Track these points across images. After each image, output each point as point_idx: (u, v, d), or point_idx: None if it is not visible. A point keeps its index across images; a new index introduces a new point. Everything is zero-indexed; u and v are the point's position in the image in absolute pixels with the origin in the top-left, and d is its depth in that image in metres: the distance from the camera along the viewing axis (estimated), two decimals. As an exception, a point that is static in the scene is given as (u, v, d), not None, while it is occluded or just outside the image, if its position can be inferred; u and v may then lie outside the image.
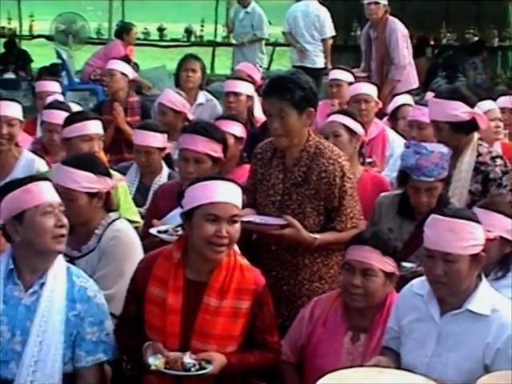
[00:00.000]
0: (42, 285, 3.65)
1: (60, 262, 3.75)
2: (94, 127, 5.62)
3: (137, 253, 4.38)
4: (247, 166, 5.17)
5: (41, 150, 6.32)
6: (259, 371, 3.90)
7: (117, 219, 4.50)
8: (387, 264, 4.00)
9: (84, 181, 4.35)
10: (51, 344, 3.57)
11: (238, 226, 3.70)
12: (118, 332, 3.87)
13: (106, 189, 4.47)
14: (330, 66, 10.37)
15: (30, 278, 3.70)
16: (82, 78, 13.03)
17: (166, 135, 6.06)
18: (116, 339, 3.86)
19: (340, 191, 4.50)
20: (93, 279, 3.99)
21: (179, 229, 4.44)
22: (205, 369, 3.54)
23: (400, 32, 9.58)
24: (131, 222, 5.06)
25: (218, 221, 3.64)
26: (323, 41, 11.42)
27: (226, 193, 3.68)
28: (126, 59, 9.18)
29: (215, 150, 4.92)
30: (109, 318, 3.82)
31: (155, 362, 3.55)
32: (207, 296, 3.69)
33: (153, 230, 4.67)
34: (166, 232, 4.62)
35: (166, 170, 6.06)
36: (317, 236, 4.48)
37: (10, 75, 15.00)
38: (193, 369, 3.53)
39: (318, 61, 11.37)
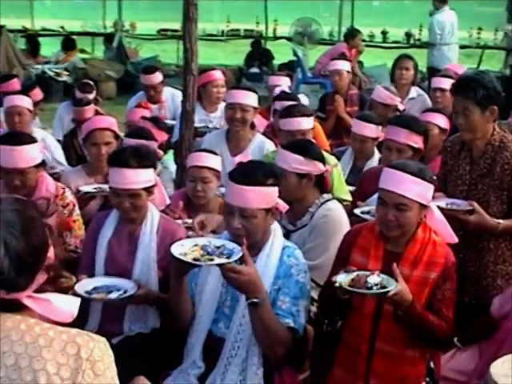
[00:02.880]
0: (254, 262, 3.44)
1: (276, 241, 3.55)
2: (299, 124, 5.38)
3: (343, 231, 4.17)
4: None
5: (271, 133, 6.28)
6: (431, 335, 3.50)
7: (329, 200, 4.36)
8: None
9: (293, 162, 4.24)
10: None
11: (408, 213, 3.43)
12: (323, 293, 3.74)
13: (315, 172, 4.31)
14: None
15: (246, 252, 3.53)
16: (313, 73, 13.01)
17: (380, 126, 5.82)
18: (320, 299, 3.75)
19: None
20: (302, 250, 3.85)
21: None
22: (386, 287, 3.25)
23: None
24: (343, 200, 4.95)
25: (386, 205, 3.46)
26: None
27: (395, 181, 3.45)
28: (345, 57, 8.97)
29: (416, 141, 4.75)
30: (306, 299, 3.51)
31: (341, 280, 3.29)
32: (401, 266, 3.45)
33: (357, 211, 4.55)
34: (368, 213, 4.46)
35: (377, 155, 5.85)
36: (500, 221, 4.16)
37: (254, 70, 15.26)
38: (374, 287, 3.24)
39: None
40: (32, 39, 16.29)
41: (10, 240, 2.04)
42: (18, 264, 2.06)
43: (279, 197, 3.54)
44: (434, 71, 10.97)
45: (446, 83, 6.93)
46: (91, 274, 3.95)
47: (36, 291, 2.13)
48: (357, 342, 3.51)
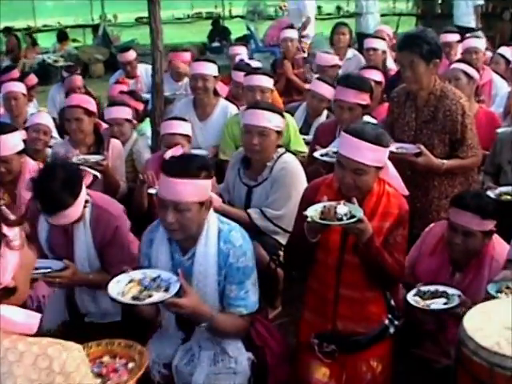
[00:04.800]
0: (194, 254, 2.81)
1: (211, 229, 2.79)
2: (259, 80, 4.83)
3: (301, 180, 3.69)
4: (386, 104, 4.35)
5: (231, 96, 5.65)
6: (385, 274, 2.92)
7: (284, 153, 3.79)
8: (486, 225, 3.03)
9: (275, 120, 3.67)
10: (209, 301, 2.78)
11: (365, 176, 2.81)
12: (290, 241, 3.18)
13: (283, 129, 3.78)
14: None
15: (185, 244, 2.84)
16: (264, 44, 12.40)
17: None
18: (287, 246, 3.20)
19: (461, 126, 3.66)
20: (267, 202, 3.38)
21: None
22: (355, 217, 2.69)
23: None
24: (299, 152, 4.41)
25: (344, 169, 2.82)
26: None
27: (353, 148, 2.79)
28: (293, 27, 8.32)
29: (364, 99, 4.15)
30: (250, 278, 2.81)
31: (312, 214, 2.72)
32: None
33: (316, 154, 3.97)
34: (326, 155, 3.92)
35: (325, 112, 5.21)
36: (444, 161, 3.67)
37: (216, 44, 14.76)
38: (344, 218, 2.68)
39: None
40: (31, 35, 15.56)
41: None
42: None
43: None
44: (361, 36, 10.45)
45: (377, 43, 6.56)
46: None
47: None
48: (323, 290, 2.97)
